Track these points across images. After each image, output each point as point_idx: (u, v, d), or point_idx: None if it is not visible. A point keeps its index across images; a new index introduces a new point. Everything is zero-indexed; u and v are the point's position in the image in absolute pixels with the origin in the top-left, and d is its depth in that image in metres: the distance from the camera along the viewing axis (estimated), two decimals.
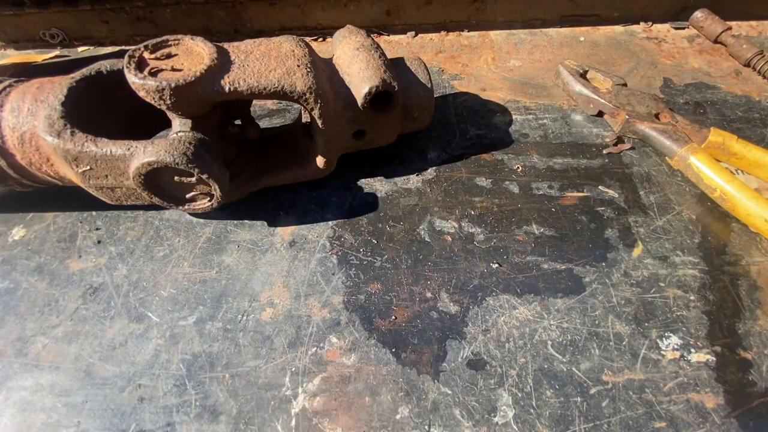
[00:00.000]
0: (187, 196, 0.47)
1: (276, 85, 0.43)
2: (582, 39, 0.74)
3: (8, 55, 0.78)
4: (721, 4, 0.73)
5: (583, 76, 0.63)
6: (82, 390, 0.42)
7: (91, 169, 0.45)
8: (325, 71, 0.48)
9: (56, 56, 0.77)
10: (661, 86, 0.66)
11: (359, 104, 0.48)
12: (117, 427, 0.40)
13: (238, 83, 0.43)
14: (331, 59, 0.52)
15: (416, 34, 0.77)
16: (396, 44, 0.76)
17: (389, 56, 0.52)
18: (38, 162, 0.46)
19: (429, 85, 0.53)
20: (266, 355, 0.43)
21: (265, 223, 0.53)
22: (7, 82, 0.47)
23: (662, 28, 0.76)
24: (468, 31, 0.77)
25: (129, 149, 0.43)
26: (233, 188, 0.50)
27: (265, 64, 0.44)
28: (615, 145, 0.58)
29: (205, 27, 0.77)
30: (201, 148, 0.43)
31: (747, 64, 0.68)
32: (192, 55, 0.44)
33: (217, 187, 0.45)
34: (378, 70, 0.47)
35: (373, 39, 0.51)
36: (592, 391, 0.41)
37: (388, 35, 0.77)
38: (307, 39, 0.78)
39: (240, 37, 0.77)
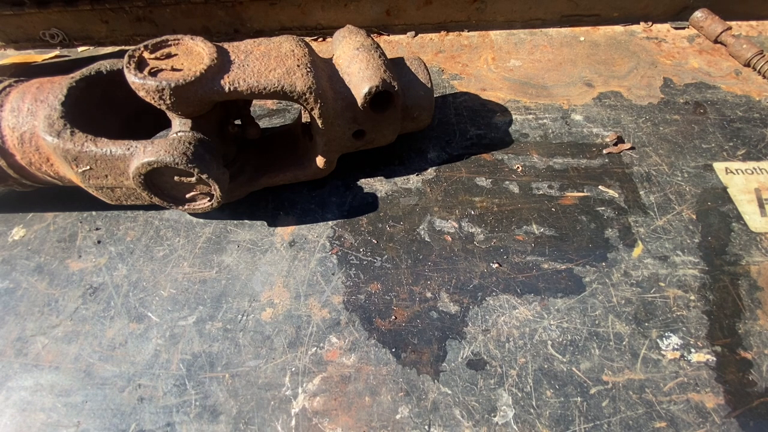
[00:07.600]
0: (187, 196, 0.47)
1: (276, 85, 0.43)
2: (582, 39, 0.74)
3: (8, 55, 0.78)
4: (721, 4, 0.73)
5: None
6: (82, 390, 0.42)
7: (90, 169, 0.45)
8: (325, 71, 0.48)
9: (56, 56, 0.77)
10: (661, 86, 0.66)
11: (359, 104, 0.48)
12: (117, 427, 0.40)
13: (238, 83, 0.43)
14: (331, 59, 0.51)
15: (416, 34, 0.77)
16: (396, 44, 0.76)
17: (389, 56, 0.52)
18: (38, 162, 0.46)
19: (429, 85, 0.53)
20: (266, 355, 0.43)
21: (265, 223, 0.53)
22: (7, 82, 0.47)
23: (662, 28, 0.76)
24: (468, 31, 0.77)
25: (129, 149, 0.43)
26: (233, 188, 0.50)
27: (265, 63, 0.44)
28: (615, 144, 0.58)
29: (205, 27, 0.76)
30: (201, 148, 0.43)
31: (747, 64, 0.68)
32: (192, 55, 0.44)
33: (217, 187, 0.45)
34: (378, 69, 0.47)
35: (373, 39, 0.51)
36: (592, 391, 0.41)
37: (388, 35, 0.77)
38: (307, 39, 0.78)
39: (240, 37, 0.77)
